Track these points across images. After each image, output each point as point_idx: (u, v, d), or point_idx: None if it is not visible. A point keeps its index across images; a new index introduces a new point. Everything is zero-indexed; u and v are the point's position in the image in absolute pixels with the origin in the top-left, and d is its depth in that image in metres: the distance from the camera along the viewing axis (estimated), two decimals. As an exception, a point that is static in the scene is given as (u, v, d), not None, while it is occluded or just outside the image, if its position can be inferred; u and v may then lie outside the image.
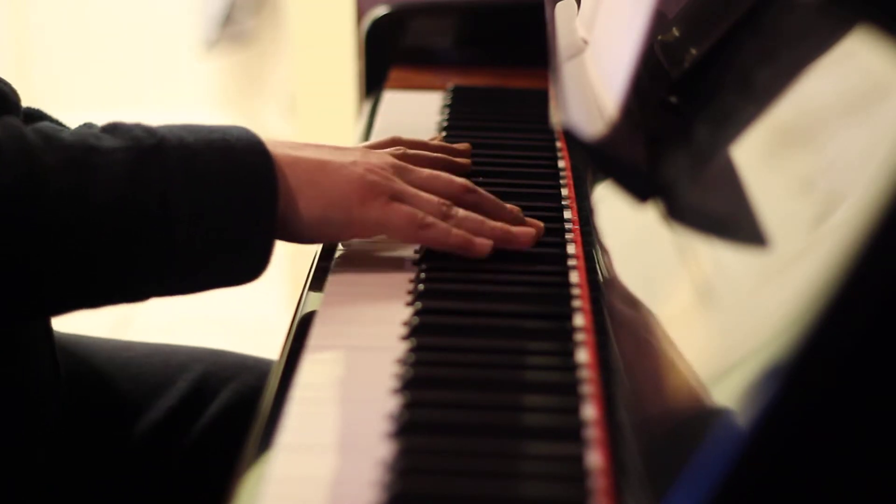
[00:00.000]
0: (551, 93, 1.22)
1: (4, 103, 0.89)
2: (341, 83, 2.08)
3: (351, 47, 1.90)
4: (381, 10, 1.50)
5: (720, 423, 0.53)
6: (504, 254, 0.91)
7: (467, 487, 0.65)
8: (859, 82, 0.64)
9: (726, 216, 0.71)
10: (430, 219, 0.88)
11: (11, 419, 0.93)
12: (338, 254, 0.93)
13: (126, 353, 1.08)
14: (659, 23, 0.92)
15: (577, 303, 0.84)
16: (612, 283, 0.82)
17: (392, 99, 1.38)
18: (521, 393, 0.73)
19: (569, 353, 0.77)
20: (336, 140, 0.98)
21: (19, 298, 0.82)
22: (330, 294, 0.87)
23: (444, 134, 1.21)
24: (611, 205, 0.91)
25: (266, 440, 0.69)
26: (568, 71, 1.06)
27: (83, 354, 1.06)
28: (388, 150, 0.95)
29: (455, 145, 1.05)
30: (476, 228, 0.90)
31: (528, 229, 0.91)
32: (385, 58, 1.49)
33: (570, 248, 0.93)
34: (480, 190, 0.93)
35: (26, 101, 0.94)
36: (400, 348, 0.78)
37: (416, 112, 1.31)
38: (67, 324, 0.99)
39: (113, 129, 0.84)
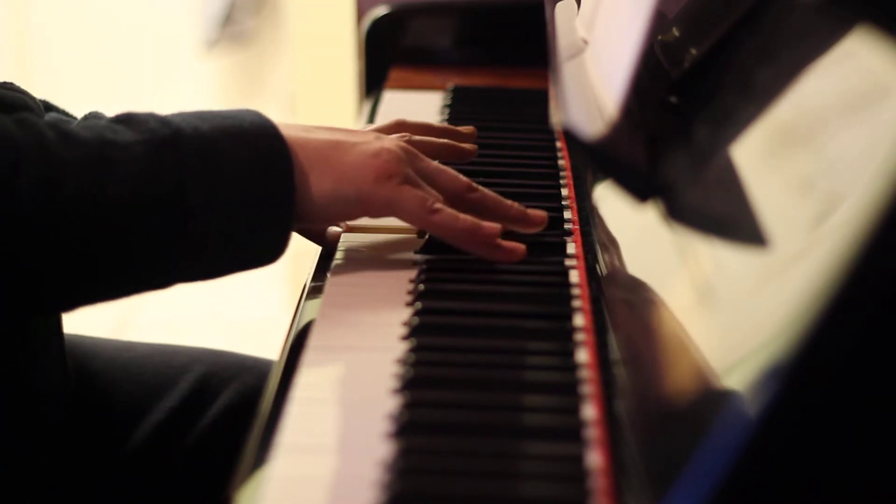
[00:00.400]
0: (551, 93, 1.22)
1: (26, 111, 0.89)
2: (341, 83, 2.08)
3: (351, 47, 1.90)
4: (381, 10, 1.50)
5: (720, 423, 0.53)
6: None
7: (467, 487, 0.65)
8: (859, 82, 0.64)
9: (726, 216, 0.71)
10: (439, 204, 0.88)
11: (18, 419, 0.93)
12: (338, 254, 0.93)
13: (127, 354, 1.09)
14: (659, 23, 0.92)
15: (577, 303, 0.84)
16: (613, 283, 0.82)
17: (392, 99, 1.38)
18: (521, 393, 0.73)
19: (569, 353, 0.77)
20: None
21: (42, 293, 0.83)
22: (330, 295, 0.87)
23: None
24: (611, 205, 0.91)
25: (266, 440, 0.69)
26: (568, 71, 1.06)
27: (84, 355, 1.06)
28: (395, 135, 0.95)
29: (460, 128, 1.05)
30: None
31: (517, 245, 0.91)
32: (385, 58, 1.49)
33: (570, 248, 0.93)
34: (483, 189, 0.93)
35: (26, 101, 0.94)
36: (400, 348, 0.78)
37: (416, 112, 1.31)
38: (68, 324, 0.99)
39: (128, 120, 0.85)
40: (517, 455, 0.68)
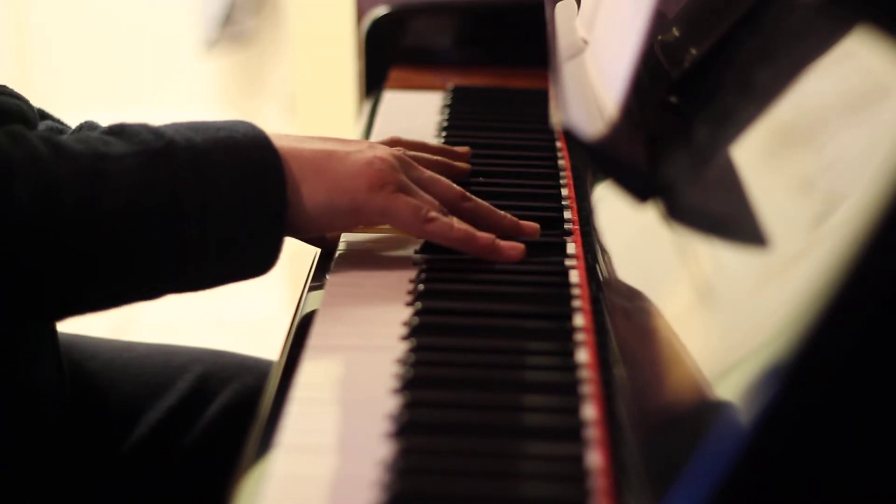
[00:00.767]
0: (551, 93, 1.22)
1: (21, 118, 0.89)
2: (341, 83, 2.08)
3: (351, 47, 1.90)
4: (381, 10, 1.50)
5: (720, 423, 0.53)
6: (504, 254, 0.91)
7: (467, 487, 0.65)
8: (859, 82, 0.64)
9: (726, 216, 0.71)
10: (434, 213, 0.89)
11: (15, 419, 0.93)
12: (338, 254, 0.93)
13: (126, 354, 1.09)
14: (659, 23, 0.93)
15: (577, 303, 0.84)
16: (613, 283, 0.82)
17: (392, 99, 1.38)
18: (521, 393, 0.73)
19: (569, 353, 0.77)
20: (336, 140, 0.98)
21: (36, 304, 0.83)
22: (330, 294, 0.87)
23: (444, 134, 1.21)
24: (611, 205, 0.91)
25: (266, 440, 0.69)
26: (568, 71, 1.06)
27: (84, 355, 1.06)
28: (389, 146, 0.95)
29: (455, 148, 1.05)
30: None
31: (516, 244, 0.91)
32: (385, 58, 1.49)
33: (570, 248, 0.93)
34: (477, 199, 0.93)
35: (26, 102, 0.94)
36: (400, 348, 0.78)
37: (416, 112, 1.31)
38: (68, 325, 0.99)
39: (120, 131, 0.85)
40: (517, 455, 0.68)
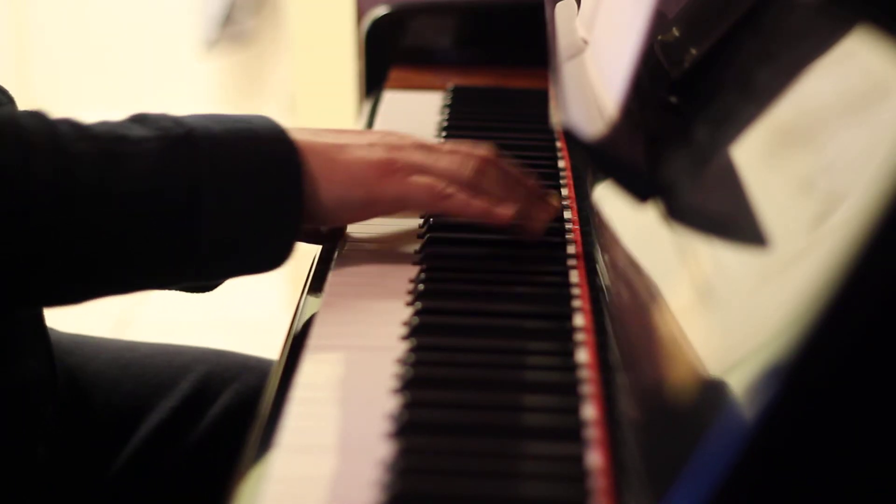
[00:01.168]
0: (551, 93, 1.22)
1: None
2: (341, 83, 2.08)
3: (351, 47, 1.90)
4: (381, 10, 1.50)
5: (720, 423, 0.53)
6: (504, 254, 0.91)
7: (467, 487, 0.65)
8: (859, 82, 0.64)
9: (726, 216, 0.71)
10: (451, 189, 0.89)
11: (8, 418, 0.93)
12: (338, 254, 0.93)
13: (128, 354, 1.09)
14: (659, 23, 0.92)
15: (577, 303, 0.84)
16: (613, 283, 0.82)
17: (392, 99, 1.38)
18: (521, 393, 0.73)
19: (569, 353, 0.77)
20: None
21: (50, 285, 0.83)
22: (330, 294, 0.87)
23: (444, 134, 1.21)
24: (611, 205, 0.91)
25: (266, 440, 0.69)
26: (568, 71, 1.06)
27: (85, 355, 1.06)
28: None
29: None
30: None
31: (540, 216, 0.92)
32: (385, 58, 1.49)
33: (570, 248, 0.93)
34: (501, 163, 0.92)
35: (26, 102, 0.94)
36: (400, 348, 0.78)
37: (416, 112, 1.31)
38: (69, 324, 0.99)
39: (141, 119, 0.85)
40: (517, 455, 0.68)
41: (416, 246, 0.93)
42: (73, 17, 3.70)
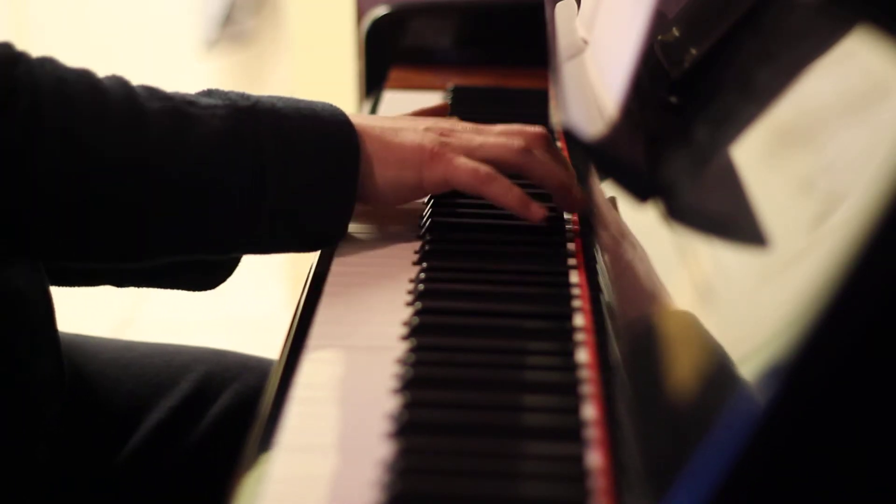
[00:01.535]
0: (551, 93, 1.22)
1: None
2: (341, 83, 2.08)
3: (351, 47, 1.90)
4: (381, 10, 1.50)
5: (720, 423, 0.53)
6: (504, 253, 0.91)
7: (467, 487, 0.65)
8: (859, 82, 0.64)
9: (726, 216, 0.71)
10: (493, 174, 0.92)
11: (13, 417, 0.93)
12: (338, 254, 0.93)
13: (129, 354, 1.09)
14: (659, 23, 0.93)
15: (577, 303, 0.84)
16: (613, 283, 0.82)
17: (392, 99, 1.38)
18: (521, 393, 0.73)
19: (569, 353, 0.77)
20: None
21: (109, 236, 0.86)
22: (330, 294, 0.87)
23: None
24: (611, 205, 0.91)
25: (266, 440, 0.69)
26: (568, 71, 1.06)
27: (86, 355, 1.06)
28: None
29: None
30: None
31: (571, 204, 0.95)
32: (385, 58, 1.49)
33: (570, 248, 0.93)
34: (548, 148, 0.94)
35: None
36: (400, 348, 0.78)
37: (416, 112, 1.31)
38: (70, 324, 0.99)
39: (209, 92, 0.89)
40: (517, 455, 0.68)
41: (416, 246, 0.93)
42: (73, 17, 3.70)
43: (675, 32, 0.91)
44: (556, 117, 1.19)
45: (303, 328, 0.83)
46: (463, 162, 0.92)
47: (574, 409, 0.71)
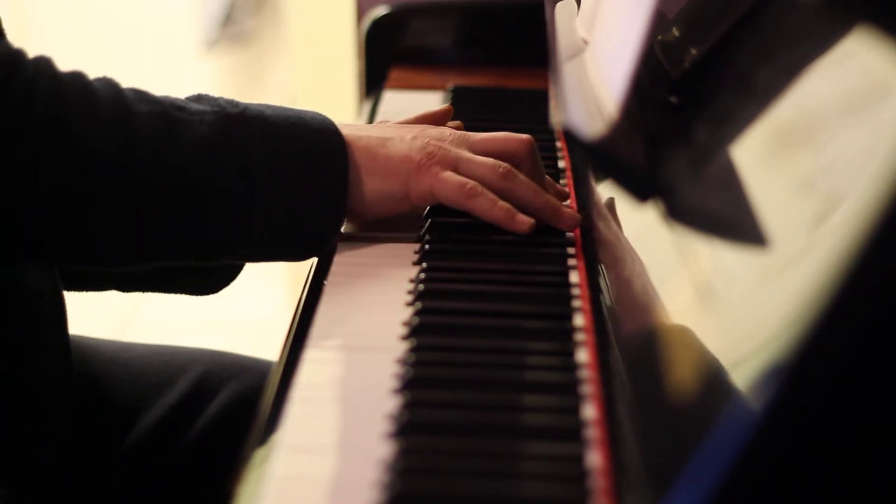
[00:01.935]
0: (551, 93, 1.22)
1: None
2: (341, 83, 2.08)
3: (351, 47, 1.90)
4: (381, 10, 1.50)
5: (720, 423, 0.53)
6: (504, 253, 0.91)
7: (467, 487, 0.65)
8: (859, 82, 0.64)
9: (726, 216, 0.71)
10: (479, 189, 0.91)
11: (22, 418, 0.93)
12: (337, 254, 0.93)
13: (127, 354, 1.09)
14: (659, 23, 0.93)
15: (577, 303, 0.84)
16: (613, 283, 0.82)
17: (392, 99, 1.38)
18: (521, 393, 0.73)
19: (569, 353, 0.77)
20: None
21: (99, 241, 0.86)
22: (330, 294, 0.87)
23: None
24: (611, 205, 0.91)
25: (266, 440, 0.69)
26: (568, 71, 1.06)
27: (85, 355, 1.06)
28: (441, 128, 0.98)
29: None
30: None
31: (572, 213, 0.95)
32: (385, 58, 1.49)
33: (570, 249, 0.93)
34: (519, 179, 0.93)
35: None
36: (400, 348, 0.78)
37: (416, 112, 1.31)
38: (71, 324, 0.99)
39: (198, 98, 0.89)
40: (517, 455, 0.68)
41: (416, 246, 0.93)
42: (73, 17, 3.70)
43: (675, 32, 0.91)
44: (556, 117, 1.19)
45: (303, 328, 0.83)
46: (449, 176, 0.91)
47: (574, 409, 0.71)
